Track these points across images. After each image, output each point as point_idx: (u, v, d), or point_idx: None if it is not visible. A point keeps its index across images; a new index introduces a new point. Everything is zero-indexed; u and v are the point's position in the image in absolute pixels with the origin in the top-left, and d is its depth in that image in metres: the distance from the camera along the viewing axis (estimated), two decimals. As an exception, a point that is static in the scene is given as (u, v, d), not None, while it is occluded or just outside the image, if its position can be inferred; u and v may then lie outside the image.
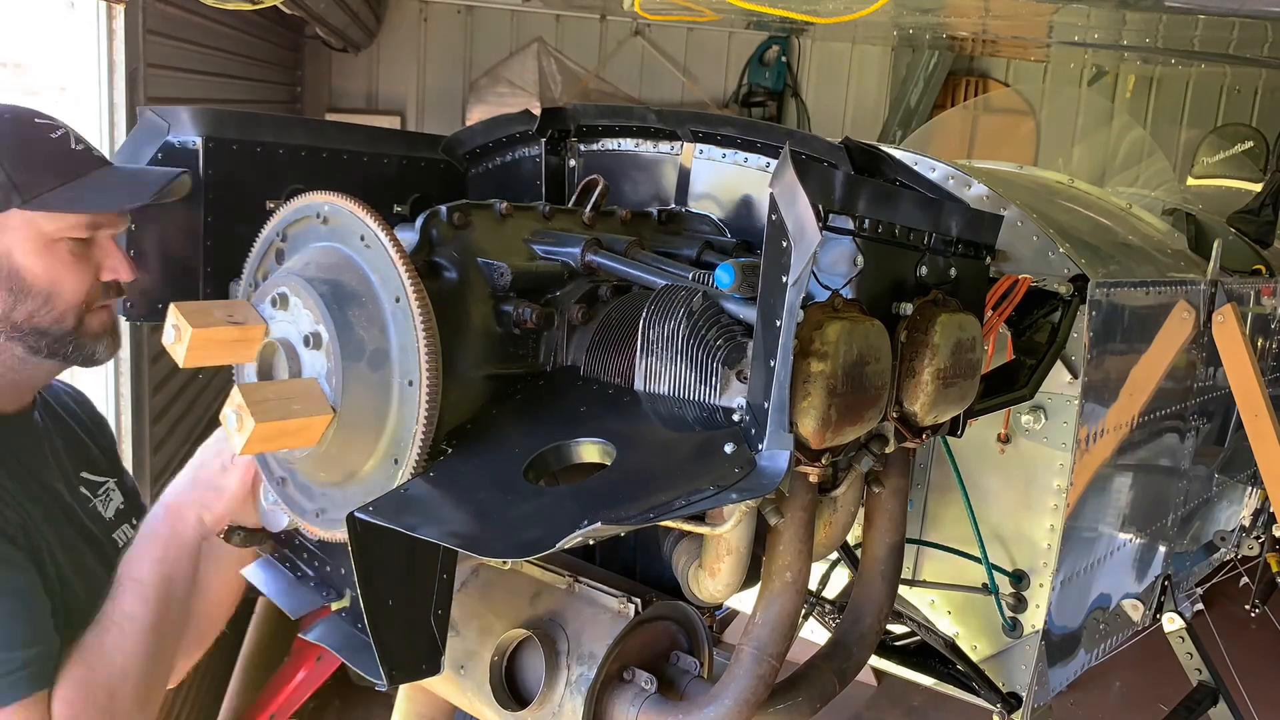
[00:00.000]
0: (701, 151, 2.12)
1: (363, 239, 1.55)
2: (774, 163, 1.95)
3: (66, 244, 1.82)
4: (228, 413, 1.46)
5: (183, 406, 4.44)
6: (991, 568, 2.35)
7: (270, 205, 1.75)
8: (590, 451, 1.54)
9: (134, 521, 2.12)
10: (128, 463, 3.74)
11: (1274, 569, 4.43)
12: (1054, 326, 2.21)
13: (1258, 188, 4.45)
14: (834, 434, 1.46)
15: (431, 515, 1.46)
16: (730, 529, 1.62)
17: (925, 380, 1.63)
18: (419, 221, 1.62)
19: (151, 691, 1.84)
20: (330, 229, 1.61)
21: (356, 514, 1.45)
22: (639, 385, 1.61)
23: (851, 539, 2.09)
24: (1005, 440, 2.34)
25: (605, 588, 1.78)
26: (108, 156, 1.92)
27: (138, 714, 1.80)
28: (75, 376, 2.42)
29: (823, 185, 1.41)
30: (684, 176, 2.15)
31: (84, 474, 2.08)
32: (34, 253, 1.80)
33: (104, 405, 3.68)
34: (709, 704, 1.64)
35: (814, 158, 1.84)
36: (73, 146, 1.83)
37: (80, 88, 3.50)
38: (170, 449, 4.23)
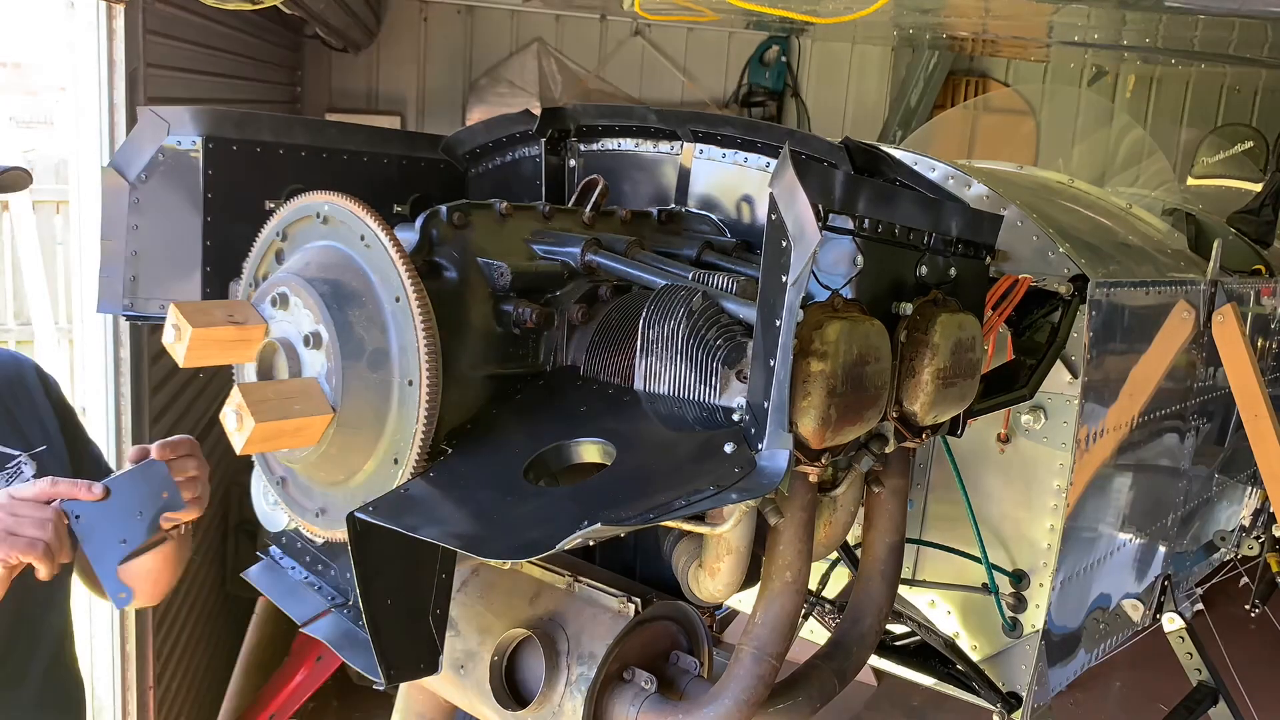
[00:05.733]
0: (701, 151, 2.12)
1: (363, 239, 1.55)
2: (774, 163, 1.95)
3: None
4: (228, 412, 1.46)
5: (183, 406, 4.43)
6: (991, 568, 2.35)
7: (270, 205, 1.75)
8: (590, 451, 1.54)
9: None
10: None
11: (1274, 569, 4.42)
12: (1054, 326, 2.21)
13: (1258, 188, 4.45)
14: (834, 434, 1.46)
15: (432, 515, 1.46)
16: (730, 529, 1.62)
17: (925, 380, 1.63)
18: (419, 221, 1.62)
19: None
20: (330, 229, 1.61)
21: (356, 514, 1.45)
22: (639, 385, 1.61)
23: (851, 539, 2.09)
24: (1005, 440, 2.34)
25: (605, 588, 1.78)
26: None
27: None
28: (75, 374, 2.41)
29: (823, 185, 1.41)
30: (684, 176, 2.15)
31: None
32: None
33: (104, 405, 3.67)
34: (709, 704, 1.64)
35: (814, 158, 1.84)
36: None
37: (80, 88, 3.49)
38: (170, 449, 4.21)
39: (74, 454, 2.21)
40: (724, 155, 2.10)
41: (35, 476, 2.08)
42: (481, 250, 1.67)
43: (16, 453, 2.10)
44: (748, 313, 1.57)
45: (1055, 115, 6.25)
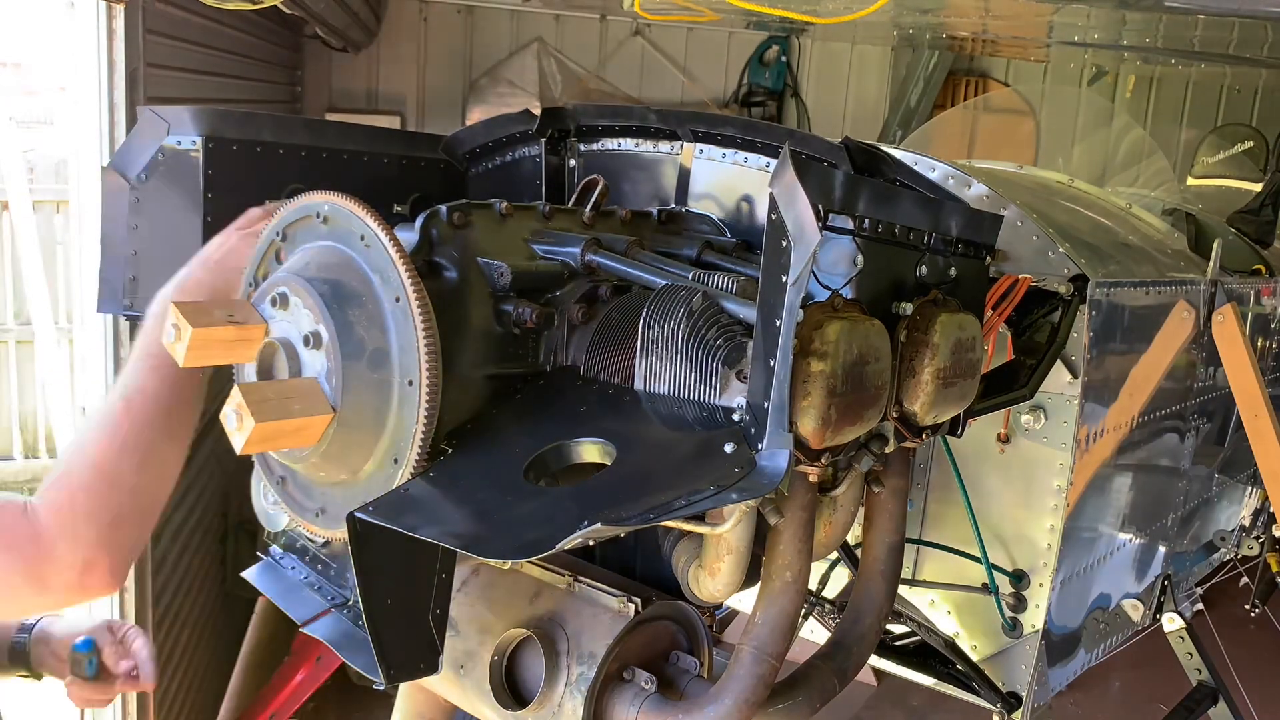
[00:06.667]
0: (701, 151, 2.12)
1: (363, 239, 1.55)
2: (774, 162, 1.95)
3: None
4: (228, 412, 1.46)
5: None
6: (991, 567, 2.35)
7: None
8: (590, 451, 1.54)
9: None
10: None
11: (1274, 569, 4.43)
12: (1054, 326, 2.21)
13: (1258, 188, 4.44)
14: (834, 434, 1.46)
15: (432, 515, 1.46)
16: (730, 529, 1.62)
17: (925, 380, 1.63)
18: (419, 221, 1.62)
19: (138, 481, 1.73)
20: (330, 229, 1.61)
21: (356, 514, 1.45)
22: (639, 385, 1.61)
23: (851, 539, 2.09)
24: (1005, 440, 2.34)
25: (605, 587, 1.78)
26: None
27: (117, 499, 1.69)
28: (75, 374, 2.41)
29: (822, 185, 1.41)
30: (684, 176, 2.15)
31: None
32: None
33: (104, 405, 3.67)
34: (709, 703, 1.64)
35: (814, 158, 1.84)
36: None
37: (80, 88, 3.49)
38: (170, 449, 4.21)
39: None
40: (724, 155, 2.10)
41: None
42: (481, 250, 1.67)
43: None
44: (748, 313, 1.57)
45: (1055, 115, 6.25)
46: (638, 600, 1.73)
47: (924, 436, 1.73)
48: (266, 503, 1.86)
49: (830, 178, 1.46)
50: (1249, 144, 5.40)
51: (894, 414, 1.65)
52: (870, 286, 1.57)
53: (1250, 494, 3.78)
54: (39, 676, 2.20)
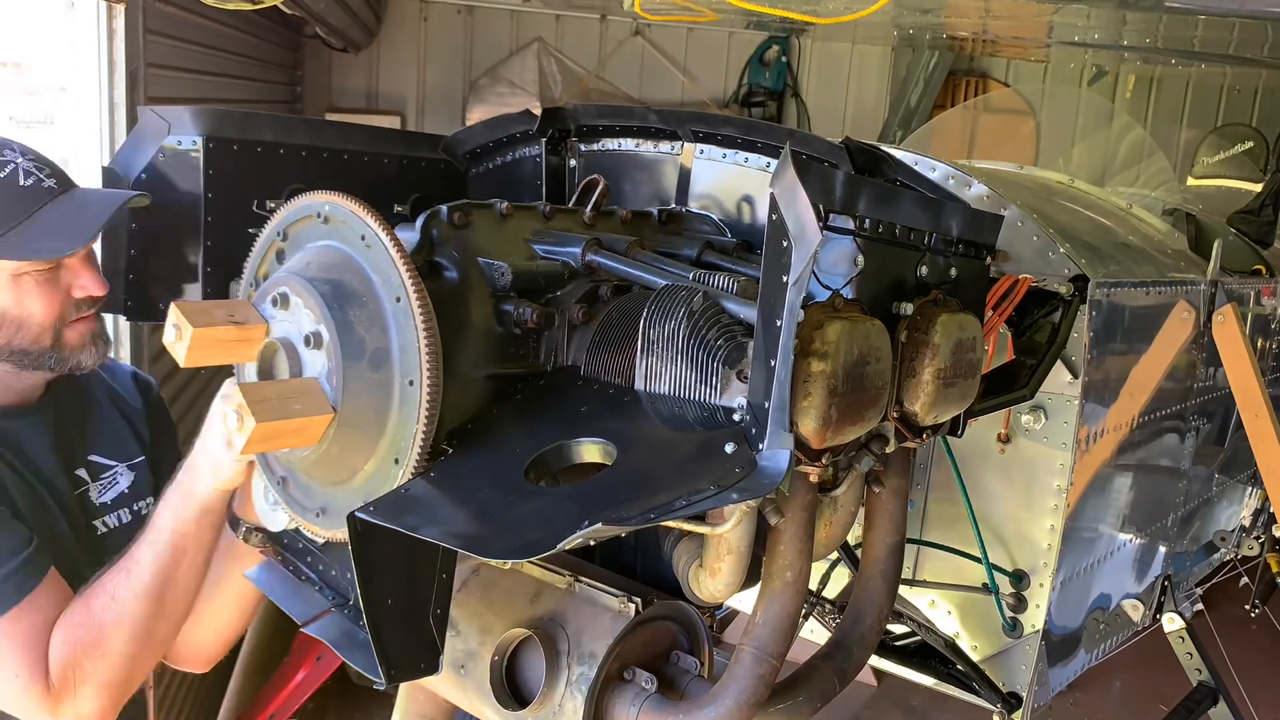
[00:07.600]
0: (702, 151, 2.12)
1: (363, 239, 1.55)
2: (774, 163, 1.95)
3: (30, 275, 1.88)
4: (228, 412, 1.46)
5: (183, 406, 4.43)
6: (991, 568, 2.35)
7: (271, 205, 1.75)
8: (591, 451, 1.54)
9: (137, 505, 2.17)
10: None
11: (1274, 569, 4.43)
12: (1054, 326, 2.21)
13: (1258, 188, 4.45)
14: (834, 434, 1.46)
15: (432, 515, 1.46)
16: (731, 529, 1.62)
17: (925, 380, 1.63)
18: (419, 221, 1.62)
19: (144, 646, 1.86)
20: (331, 228, 1.61)
21: (357, 514, 1.45)
22: (639, 385, 1.61)
23: (851, 539, 2.09)
24: (1005, 440, 2.34)
25: (605, 587, 1.78)
26: (69, 177, 1.94)
27: (126, 664, 1.84)
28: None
29: (823, 185, 1.41)
30: (684, 176, 2.15)
31: (93, 457, 2.12)
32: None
33: (104, 405, 3.67)
34: (709, 704, 1.64)
35: (814, 158, 1.84)
36: (21, 183, 1.85)
37: (80, 88, 3.49)
38: (170, 449, 4.21)
39: (164, 463, 2.27)
40: (724, 155, 2.10)
41: (130, 487, 2.16)
42: (482, 250, 1.67)
43: (113, 463, 2.16)
44: (748, 313, 1.57)
45: (1055, 115, 6.26)
46: (638, 600, 1.73)
47: (924, 437, 1.73)
48: (267, 503, 1.86)
49: (831, 178, 1.46)
50: (1249, 144, 5.40)
51: (894, 414, 1.65)
52: (871, 286, 1.57)
53: (1250, 494, 3.78)
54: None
